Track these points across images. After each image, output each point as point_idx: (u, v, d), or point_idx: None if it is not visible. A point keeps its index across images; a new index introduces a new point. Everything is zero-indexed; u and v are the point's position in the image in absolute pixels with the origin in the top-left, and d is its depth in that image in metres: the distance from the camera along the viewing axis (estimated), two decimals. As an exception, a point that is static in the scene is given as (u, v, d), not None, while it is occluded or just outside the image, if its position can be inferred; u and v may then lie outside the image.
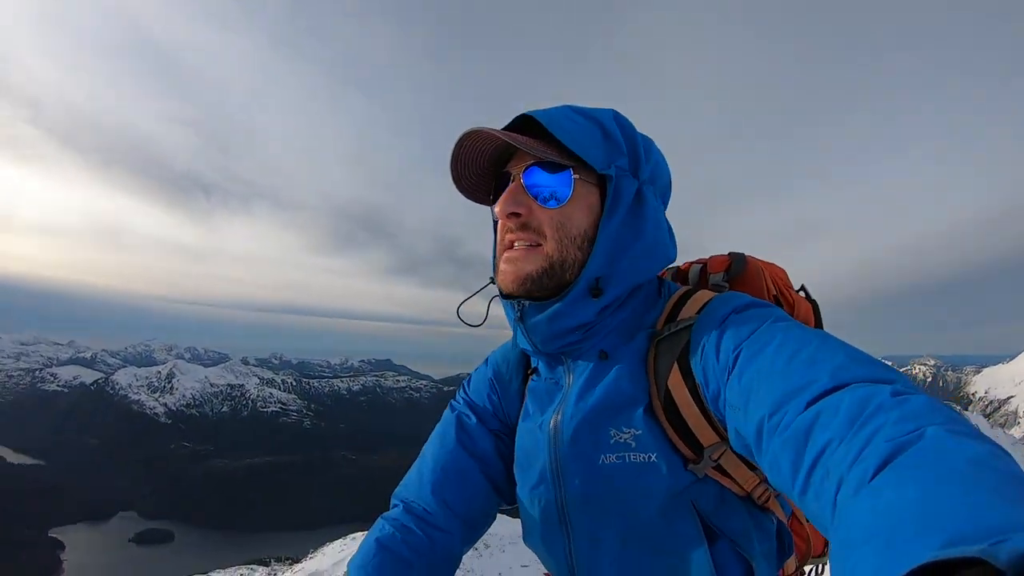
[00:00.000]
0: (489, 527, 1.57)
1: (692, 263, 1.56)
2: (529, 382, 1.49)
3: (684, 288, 1.40)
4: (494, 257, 1.39)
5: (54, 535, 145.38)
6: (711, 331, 1.21)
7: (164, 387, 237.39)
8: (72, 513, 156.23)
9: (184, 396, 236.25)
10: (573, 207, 1.28)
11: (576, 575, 1.36)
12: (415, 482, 1.54)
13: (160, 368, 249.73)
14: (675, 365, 1.25)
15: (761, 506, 1.30)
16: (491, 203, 1.39)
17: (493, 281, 1.39)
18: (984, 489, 0.71)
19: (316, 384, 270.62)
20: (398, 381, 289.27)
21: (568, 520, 1.33)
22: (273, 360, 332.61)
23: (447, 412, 1.63)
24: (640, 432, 1.25)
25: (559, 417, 1.34)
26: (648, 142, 1.38)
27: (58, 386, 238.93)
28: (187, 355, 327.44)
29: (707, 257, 1.55)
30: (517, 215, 1.28)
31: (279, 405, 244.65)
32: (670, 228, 1.41)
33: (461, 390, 1.66)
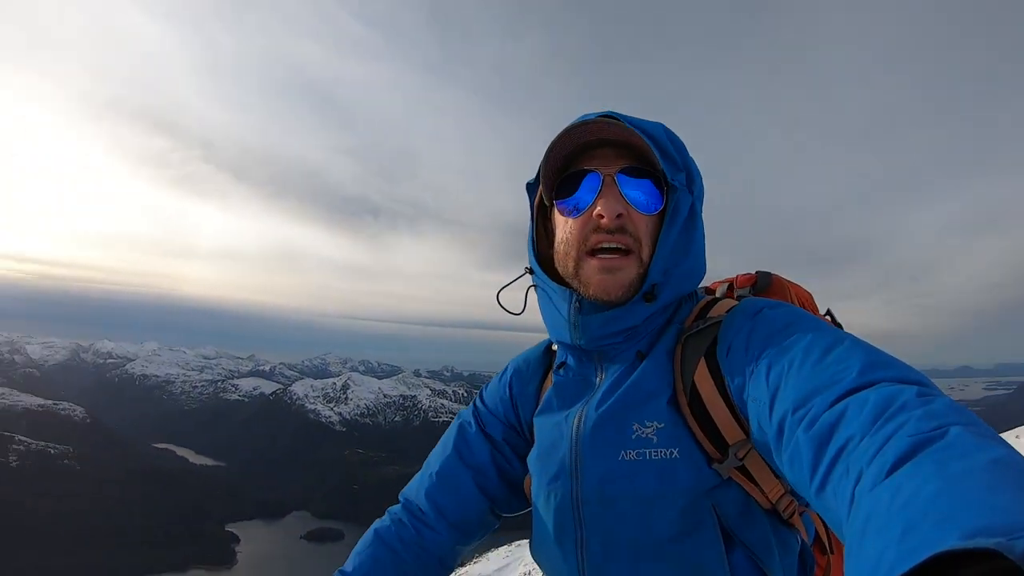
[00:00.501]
0: (487, 531, 1.68)
1: (719, 282, 1.62)
2: (554, 376, 1.52)
3: (712, 296, 1.48)
4: (532, 244, 1.49)
5: (231, 529, 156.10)
6: (740, 326, 1.27)
7: (339, 397, 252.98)
8: (248, 511, 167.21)
9: (358, 406, 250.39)
10: (658, 218, 1.37)
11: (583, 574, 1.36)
12: (416, 483, 1.67)
13: (335, 380, 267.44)
14: (702, 360, 1.29)
15: (786, 521, 1.30)
16: (552, 195, 1.43)
17: (530, 271, 1.49)
18: (1005, 487, 0.75)
19: None
20: None
21: (582, 520, 1.34)
22: (444, 372, 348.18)
23: (454, 421, 1.72)
24: (663, 426, 1.28)
25: (584, 411, 1.37)
26: (694, 162, 1.44)
27: (239, 396, 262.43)
28: (361, 367, 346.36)
29: (732, 277, 1.62)
30: (620, 216, 1.33)
31: (450, 416, 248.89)
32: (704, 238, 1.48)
33: (476, 398, 1.73)
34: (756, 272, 1.59)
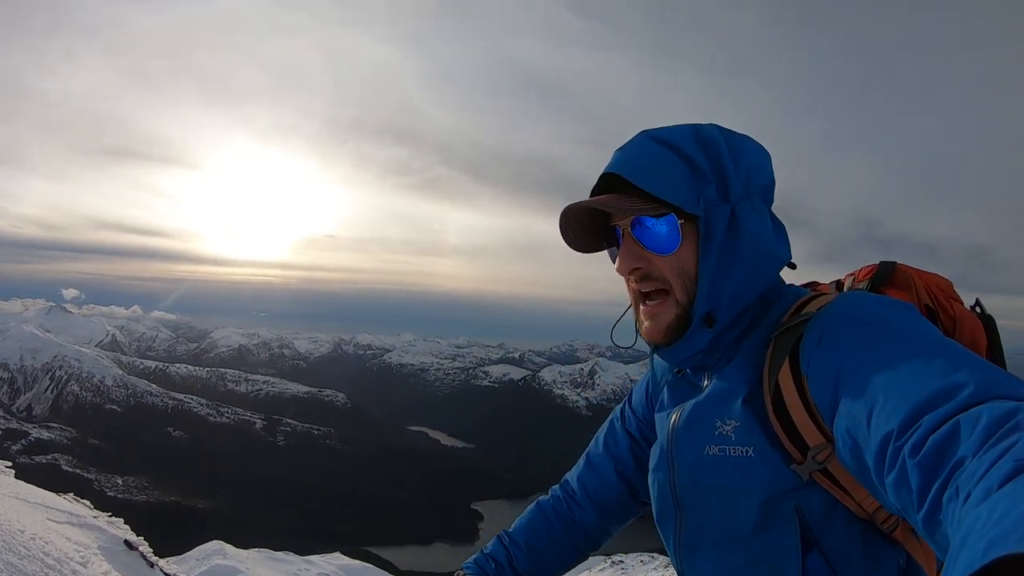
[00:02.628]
0: (631, 515, 1.90)
1: (849, 275, 1.60)
2: (672, 378, 1.61)
3: (815, 292, 1.43)
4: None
5: (475, 507, 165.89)
6: (829, 327, 1.23)
7: (586, 383, 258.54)
8: (493, 490, 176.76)
9: (605, 391, 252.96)
10: (685, 250, 1.39)
11: (679, 560, 1.48)
12: (574, 469, 1.92)
13: (583, 365, 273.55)
14: (787, 359, 1.28)
15: (886, 535, 1.28)
16: (608, 250, 1.55)
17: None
18: None
19: None
20: None
21: (681, 505, 1.45)
22: None
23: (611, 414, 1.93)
24: (739, 424, 1.32)
25: (683, 408, 1.47)
26: (737, 146, 1.41)
27: (489, 382, 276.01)
28: (608, 353, 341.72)
29: (857, 270, 1.59)
30: (638, 269, 1.42)
31: None
32: (778, 224, 1.47)
33: (628, 394, 1.90)
34: (879, 263, 1.53)
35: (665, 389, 1.61)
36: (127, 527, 5.78)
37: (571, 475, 1.93)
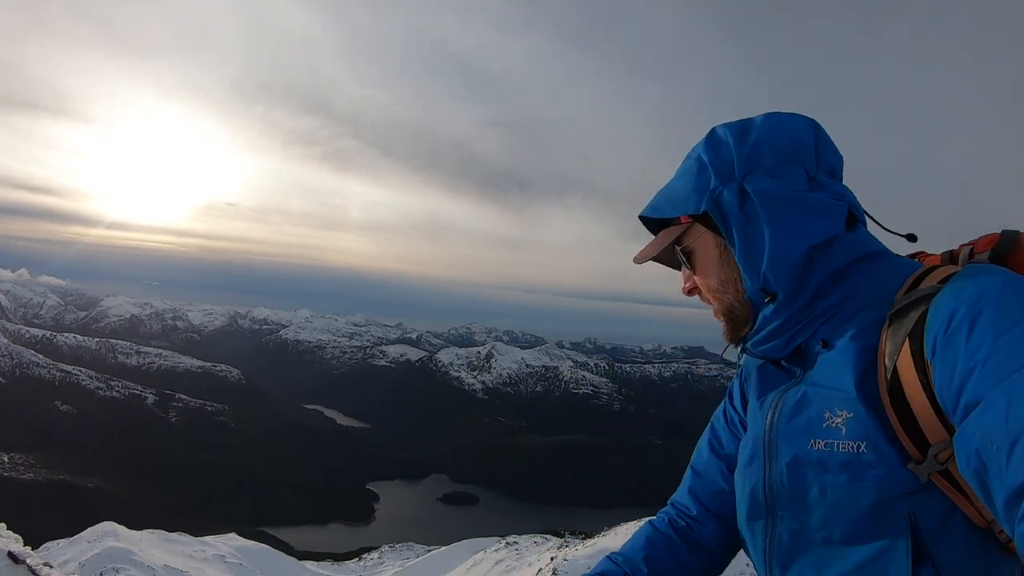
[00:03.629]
0: None
1: (964, 245, 1.37)
2: (765, 364, 1.51)
3: (930, 265, 1.29)
4: None
5: (371, 488, 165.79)
6: (962, 310, 1.05)
7: (483, 366, 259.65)
8: (389, 471, 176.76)
9: (501, 375, 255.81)
10: (702, 268, 1.43)
11: (770, 564, 1.36)
12: (681, 485, 1.76)
13: (480, 349, 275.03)
14: (906, 342, 1.13)
15: (1003, 545, 1.12)
16: None
17: None
18: None
19: (628, 369, 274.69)
20: (710, 369, 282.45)
21: (773, 505, 1.33)
22: (587, 344, 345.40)
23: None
24: (851, 416, 1.18)
25: (783, 398, 1.35)
26: (748, 126, 1.38)
27: (386, 362, 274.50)
28: (505, 337, 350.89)
29: (975, 240, 1.38)
30: (693, 289, 1.48)
31: (591, 387, 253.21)
32: (811, 193, 1.34)
33: (727, 394, 1.77)
34: (1002, 231, 1.31)
35: (755, 376, 1.51)
36: (10, 533, 5.27)
37: (678, 493, 1.76)
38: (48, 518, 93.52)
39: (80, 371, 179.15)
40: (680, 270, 1.49)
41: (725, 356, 1.66)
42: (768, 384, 1.44)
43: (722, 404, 1.74)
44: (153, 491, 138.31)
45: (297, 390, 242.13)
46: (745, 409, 1.60)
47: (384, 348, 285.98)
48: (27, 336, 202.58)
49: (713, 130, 1.40)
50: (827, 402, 1.23)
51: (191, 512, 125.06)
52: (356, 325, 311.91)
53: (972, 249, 1.31)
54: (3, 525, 5.43)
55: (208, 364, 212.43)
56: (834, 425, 1.19)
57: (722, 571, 1.69)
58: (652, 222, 1.50)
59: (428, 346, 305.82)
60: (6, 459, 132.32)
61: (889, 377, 1.13)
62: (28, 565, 4.87)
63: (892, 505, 1.12)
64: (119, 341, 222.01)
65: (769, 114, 1.39)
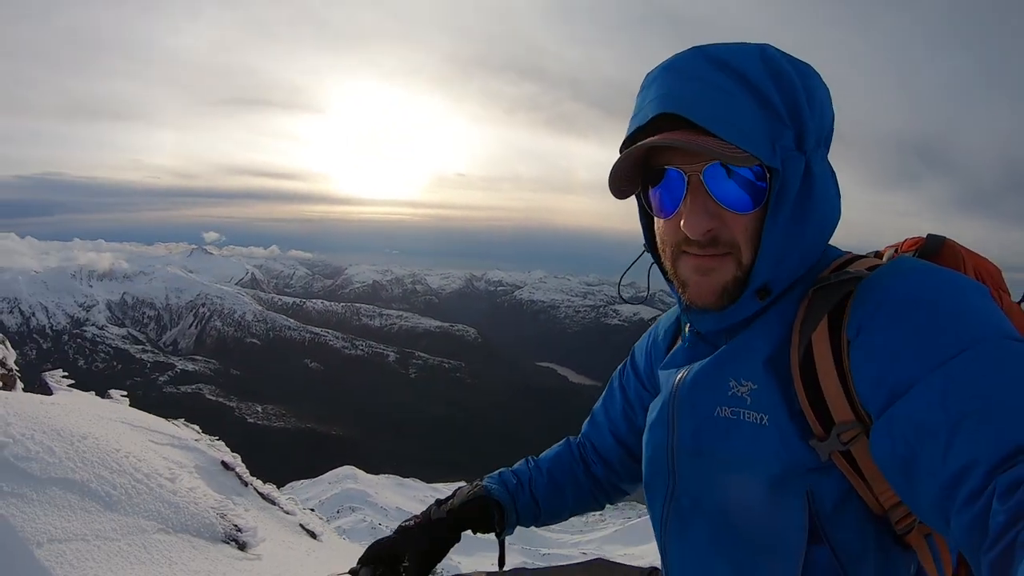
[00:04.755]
0: (638, 481, 1.62)
1: (889, 247, 1.36)
2: (685, 334, 1.37)
3: (856, 255, 1.23)
4: (645, 231, 1.30)
5: None
6: (894, 297, 1.01)
7: None
8: None
9: None
10: (762, 206, 1.11)
11: (664, 533, 1.30)
12: (586, 421, 1.77)
13: None
14: (825, 317, 1.07)
15: (899, 537, 1.08)
16: (640, 194, 1.25)
17: (647, 248, 1.32)
18: None
19: None
20: None
21: (675, 471, 1.26)
22: None
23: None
24: (756, 387, 1.12)
25: (692, 365, 1.27)
26: (809, 79, 1.12)
27: (619, 321, 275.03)
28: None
29: (900, 242, 1.37)
30: (710, 231, 1.11)
31: None
32: (833, 177, 1.19)
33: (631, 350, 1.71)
34: (928, 235, 1.31)
35: (678, 347, 1.41)
36: (227, 450, 6.36)
37: (585, 424, 1.79)
38: (295, 461, 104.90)
39: (327, 332, 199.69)
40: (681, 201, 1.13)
41: (621, 290, 1.45)
42: (689, 355, 1.33)
43: (624, 362, 1.68)
44: (391, 440, 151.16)
45: (531, 348, 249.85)
46: (653, 371, 1.55)
47: (617, 307, 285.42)
48: (279, 303, 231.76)
49: (775, 56, 1.10)
50: (734, 370, 1.16)
51: (425, 460, 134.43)
52: (589, 285, 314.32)
53: (896, 250, 1.31)
54: (223, 443, 6.52)
55: (446, 324, 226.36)
56: (739, 394, 1.13)
57: (613, 503, 1.76)
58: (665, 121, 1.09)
59: (662, 305, 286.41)
60: (260, 409, 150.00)
61: (802, 351, 1.08)
62: (237, 473, 5.61)
63: (791, 480, 1.07)
64: (363, 305, 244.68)
65: (811, 67, 1.15)
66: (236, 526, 4.32)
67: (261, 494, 5.75)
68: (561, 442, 1.79)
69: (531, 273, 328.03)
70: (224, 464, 5.70)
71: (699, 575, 1.23)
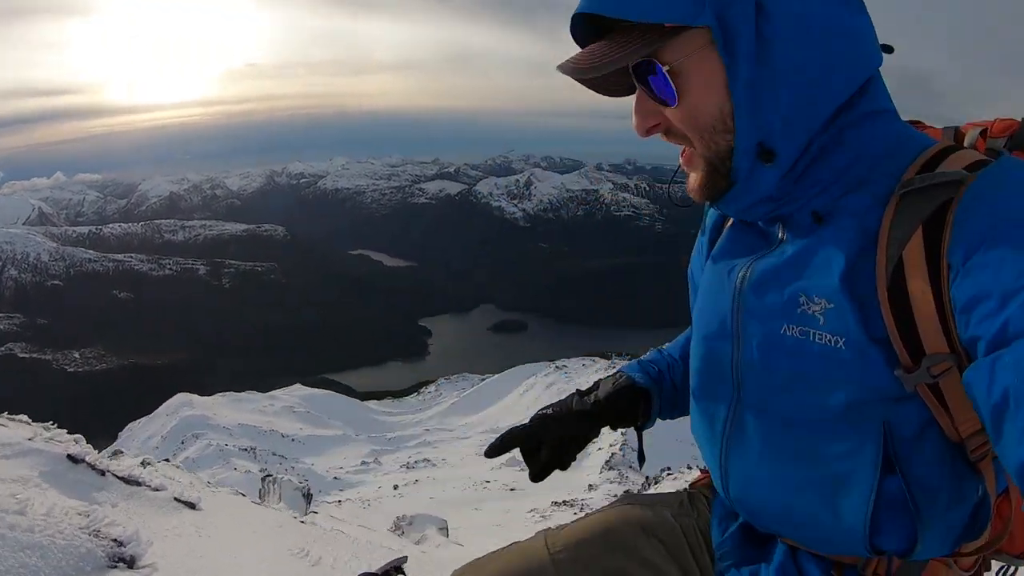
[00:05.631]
0: None
1: (973, 124, 1.18)
2: (732, 223, 1.28)
3: (946, 143, 1.05)
4: None
5: (423, 324, 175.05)
6: (991, 209, 0.87)
7: (522, 194, 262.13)
8: (439, 306, 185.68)
9: (541, 201, 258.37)
10: (692, 95, 1.01)
11: (727, 445, 1.21)
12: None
13: (518, 177, 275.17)
14: (919, 229, 0.93)
15: (972, 463, 1.01)
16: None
17: None
18: None
19: (669, 189, 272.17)
20: None
21: (740, 385, 1.16)
22: (627, 165, 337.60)
23: None
24: (832, 307, 0.99)
25: (752, 266, 1.14)
26: None
27: (426, 199, 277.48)
28: (543, 164, 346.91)
29: (987, 121, 1.18)
30: (656, 126, 1.09)
31: (632, 209, 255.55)
32: (836, 10, 0.99)
33: None
34: (1022, 119, 1.13)
35: (726, 235, 1.27)
36: (69, 437, 5.22)
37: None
38: (127, 401, 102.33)
39: (131, 257, 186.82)
40: (634, 95, 1.08)
41: (671, 196, 1.33)
42: (738, 246, 1.22)
43: (690, 266, 1.52)
44: (219, 357, 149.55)
45: (342, 238, 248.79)
46: (705, 244, 1.42)
47: (423, 186, 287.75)
48: (74, 235, 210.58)
49: None
50: (805, 285, 1.03)
51: (257, 371, 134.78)
52: (393, 166, 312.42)
53: (985, 132, 1.13)
54: (62, 431, 5.38)
55: (252, 226, 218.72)
56: (810, 312, 1.01)
57: None
58: (595, 25, 1.04)
59: (466, 179, 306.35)
60: (77, 355, 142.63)
61: (891, 270, 0.94)
62: (88, 463, 4.80)
63: (866, 408, 0.99)
64: (163, 221, 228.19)
65: None
66: (115, 540, 3.56)
67: (122, 478, 4.91)
68: (688, 329, 1.60)
69: (333, 161, 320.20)
70: (71, 458, 4.75)
71: (764, 495, 1.17)
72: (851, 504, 1.03)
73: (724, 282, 1.19)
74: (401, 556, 1.56)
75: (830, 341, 0.98)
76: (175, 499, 4.91)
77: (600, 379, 1.53)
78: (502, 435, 1.43)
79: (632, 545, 1.34)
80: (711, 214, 1.40)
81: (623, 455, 57.36)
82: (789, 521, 1.15)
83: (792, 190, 1.06)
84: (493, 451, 1.43)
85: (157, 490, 4.90)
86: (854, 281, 0.96)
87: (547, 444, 1.40)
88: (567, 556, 1.34)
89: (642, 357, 1.64)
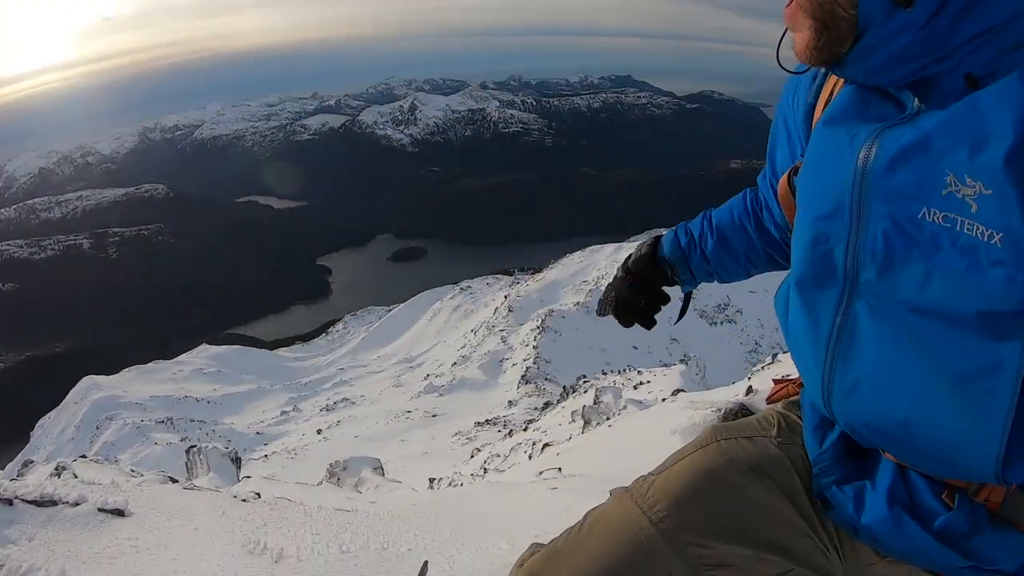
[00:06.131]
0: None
1: None
2: (863, 88, 1.04)
3: None
4: None
5: (321, 263, 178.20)
6: None
7: (407, 119, 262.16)
8: (336, 242, 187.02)
9: (428, 125, 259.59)
10: None
11: (833, 348, 1.04)
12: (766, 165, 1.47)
13: (402, 103, 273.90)
14: None
15: None
16: None
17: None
18: None
19: (556, 103, 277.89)
20: (639, 98, 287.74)
21: (856, 276, 0.99)
22: (512, 82, 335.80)
23: None
24: (989, 194, 0.81)
25: (881, 137, 0.94)
26: None
27: (309, 135, 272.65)
28: (427, 87, 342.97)
29: None
30: None
31: (520, 125, 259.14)
32: None
33: None
34: None
35: (844, 93, 1.06)
36: None
37: (760, 176, 1.48)
38: (32, 398, 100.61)
39: (8, 244, 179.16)
40: None
41: (792, 68, 1.09)
42: (862, 111, 1.01)
43: (776, 121, 1.33)
44: (118, 332, 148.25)
45: (227, 187, 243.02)
46: (800, 124, 1.22)
47: (304, 122, 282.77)
48: None
49: None
50: (955, 162, 0.85)
51: (160, 338, 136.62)
52: (270, 106, 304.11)
53: None
54: None
55: (131, 189, 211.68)
56: (959, 196, 0.84)
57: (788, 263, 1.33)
58: None
59: (348, 110, 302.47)
60: None
61: None
62: None
63: (1011, 324, 0.82)
64: (36, 200, 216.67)
65: None
66: None
67: (33, 502, 4.22)
68: (740, 193, 1.55)
69: (207, 108, 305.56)
70: None
71: (877, 409, 1.01)
72: (984, 426, 0.89)
73: (844, 152, 0.99)
74: (423, 567, 1.52)
75: (983, 234, 0.82)
76: (99, 509, 4.37)
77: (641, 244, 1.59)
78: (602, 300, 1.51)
79: (742, 491, 1.18)
80: (809, 80, 1.20)
81: (537, 368, 62.00)
82: (906, 439, 0.99)
83: (940, 44, 0.87)
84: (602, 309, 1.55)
85: (76, 504, 4.35)
86: (1015, 159, 0.79)
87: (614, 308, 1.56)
88: (672, 524, 1.17)
89: (692, 220, 1.61)
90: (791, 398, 1.31)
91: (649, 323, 1.58)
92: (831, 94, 1.11)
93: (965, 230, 0.83)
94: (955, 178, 0.83)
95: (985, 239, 0.81)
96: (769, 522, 1.17)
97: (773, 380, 1.49)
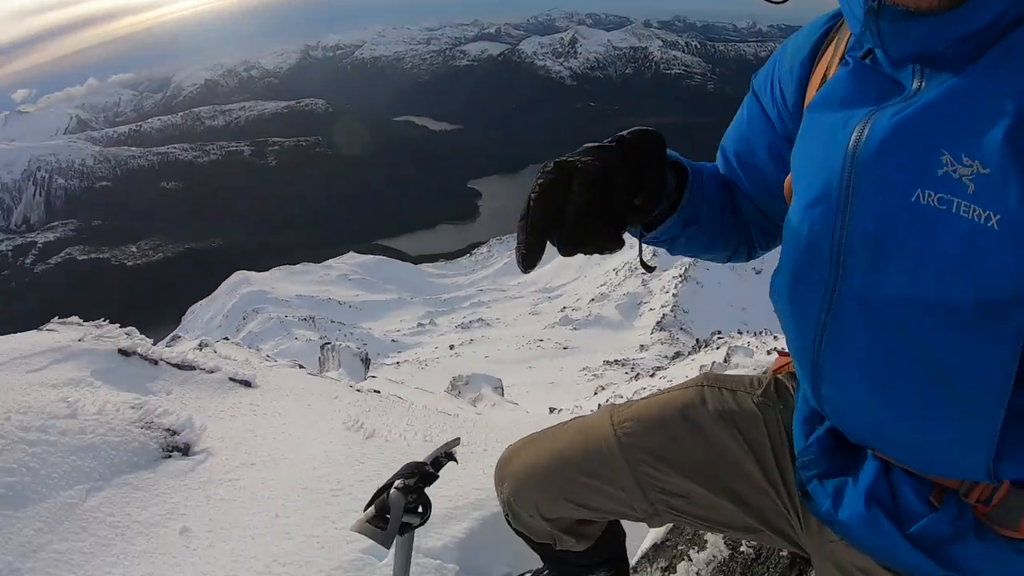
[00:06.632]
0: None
1: None
2: (846, 57, 1.00)
3: None
4: None
5: (472, 186, 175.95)
6: None
7: (568, 52, 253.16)
8: (487, 167, 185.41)
9: (588, 60, 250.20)
10: None
11: (820, 340, 0.97)
12: (725, 135, 1.39)
13: (563, 35, 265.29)
14: None
15: None
16: None
17: None
18: None
19: (721, 48, 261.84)
20: None
21: (843, 265, 0.91)
22: (676, 23, 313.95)
23: None
24: (989, 173, 0.75)
25: (873, 119, 0.87)
26: None
27: (468, 61, 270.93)
28: (589, 20, 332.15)
29: None
30: None
31: (683, 67, 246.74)
32: None
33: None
34: None
35: (837, 77, 1.00)
36: (120, 332, 5.21)
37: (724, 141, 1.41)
38: (188, 286, 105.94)
39: (174, 148, 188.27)
40: None
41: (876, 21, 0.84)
42: (856, 94, 0.94)
43: (757, 82, 1.28)
44: (272, 234, 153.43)
45: (384, 106, 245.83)
46: (781, 98, 1.18)
47: (464, 48, 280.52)
48: (115, 136, 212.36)
49: None
50: (950, 140, 0.79)
51: (310, 243, 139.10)
52: (431, 30, 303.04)
53: None
54: (114, 326, 5.56)
55: (292, 102, 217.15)
56: (956, 176, 0.78)
57: (761, 249, 1.41)
58: None
59: (508, 39, 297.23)
60: (135, 249, 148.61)
61: None
62: (140, 354, 4.95)
63: (1008, 308, 0.77)
64: (201, 108, 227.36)
65: None
66: (168, 429, 3.59)
67: (176, 365, 4.88)
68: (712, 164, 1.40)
69: (368, 30, 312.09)
70: (122, 352, 4.76)
71: (863, 402, 0.95)
72: (976, 420, 0.84)
73: (836, 136, 0.91)
74: (453, 439, 1.50)
75: (979, 216, 0.76)
76: (230, 379, 5.05)
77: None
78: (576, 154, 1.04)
79: (706, 434, 1.20)
80: (796, 46, 1.15)
81: (674, 316, 61.66)
82: (892, 435, 0.95)
83: (985, 29, 0.79)
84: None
85: (212, 372, 5.04)
86: (1014, 141, 0.73)
87: (581, 180, 0.97)
88: (633, 441, 1.21)
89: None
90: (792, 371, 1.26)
91: (618, 242, 1.02)
92: (823, 77, 1.06)
93: (961, 212, 0.77)
94: (951, 157, 0.78)
95: (982, 221, 0.76)
96: (727, 470, 1.19)
97: (778, 352, 1.44)
